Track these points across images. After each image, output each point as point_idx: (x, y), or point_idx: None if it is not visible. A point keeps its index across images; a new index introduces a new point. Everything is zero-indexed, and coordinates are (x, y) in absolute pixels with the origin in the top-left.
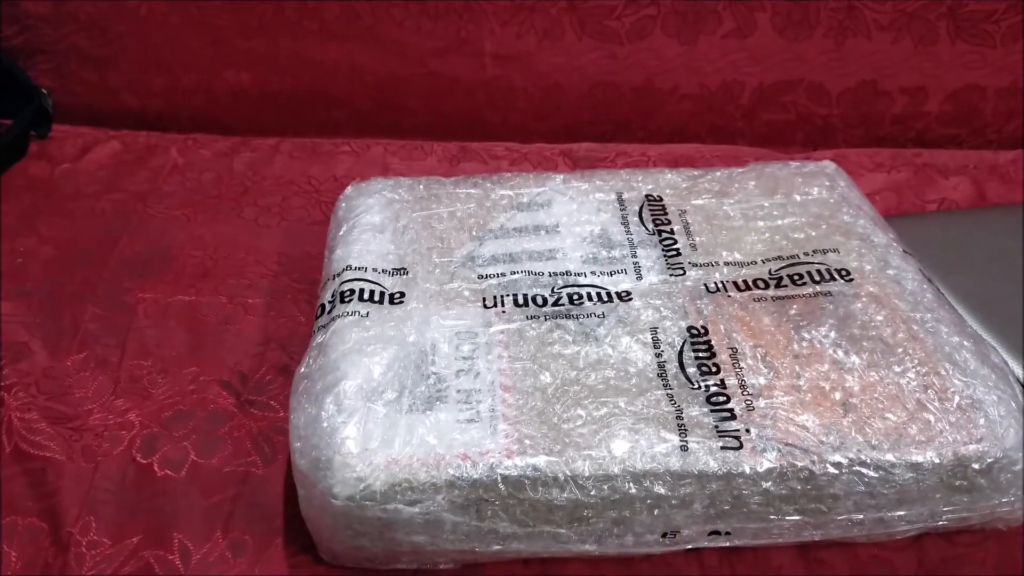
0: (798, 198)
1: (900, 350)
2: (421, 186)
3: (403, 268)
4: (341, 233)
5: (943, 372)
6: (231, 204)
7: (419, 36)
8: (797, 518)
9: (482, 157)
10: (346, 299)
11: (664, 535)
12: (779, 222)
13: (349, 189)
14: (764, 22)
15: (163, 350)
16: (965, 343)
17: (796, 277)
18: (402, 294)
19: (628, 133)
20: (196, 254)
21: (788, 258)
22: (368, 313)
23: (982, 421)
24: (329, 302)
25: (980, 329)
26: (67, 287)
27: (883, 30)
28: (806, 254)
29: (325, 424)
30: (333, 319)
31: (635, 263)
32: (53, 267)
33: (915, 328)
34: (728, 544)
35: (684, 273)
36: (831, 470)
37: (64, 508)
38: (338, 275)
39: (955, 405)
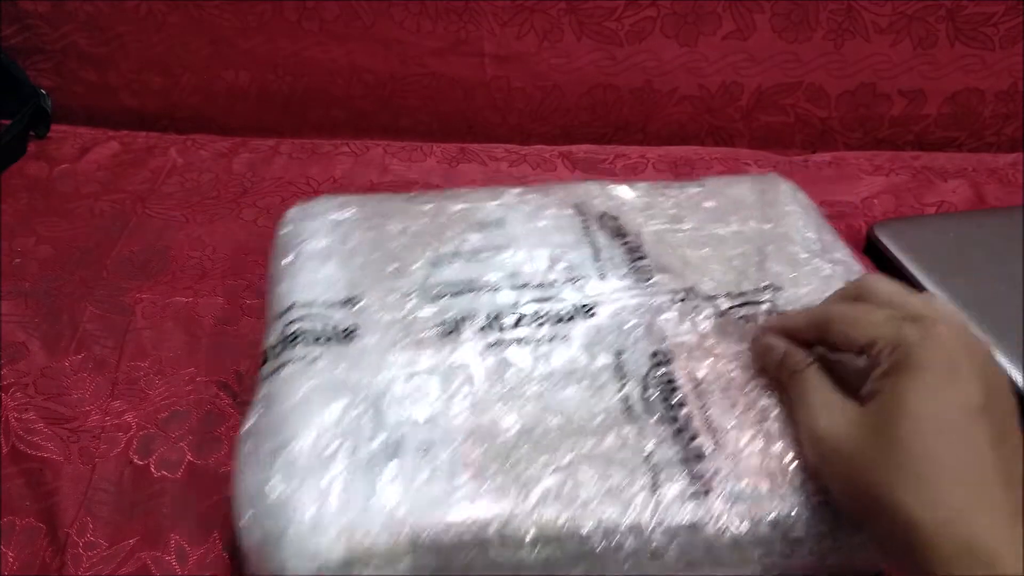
0: (753, 224)
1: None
2: (371, 203)
3: (353, 297)
4: (284, 264)
5: None
6: (230, 205)
7: (419, 36)
8: (767, 561)
9: (481, 158)
10: (292, 342)
11: None
12: (730, 252)
13: (292, 211)
14: (763, 24)
15: (160, 351)
16: None
17: (751, 316)
18: (354, 328)
19: (627, 135)
20: (194, 255)
21: (738, 295)
22: (318, 356)
23: None
24: (274, 347)
25: (978, 334)
26: (65, 287)
27: (882, 32)
28: (756, 290)
29: (275, 494)
30: (280, 366)
31: (596, 282)
32: (51, 267)
33: None
34: None
35: (645, 295)
36: (799, 514)
37: (61, 509)
38: (283, 314)
39: None
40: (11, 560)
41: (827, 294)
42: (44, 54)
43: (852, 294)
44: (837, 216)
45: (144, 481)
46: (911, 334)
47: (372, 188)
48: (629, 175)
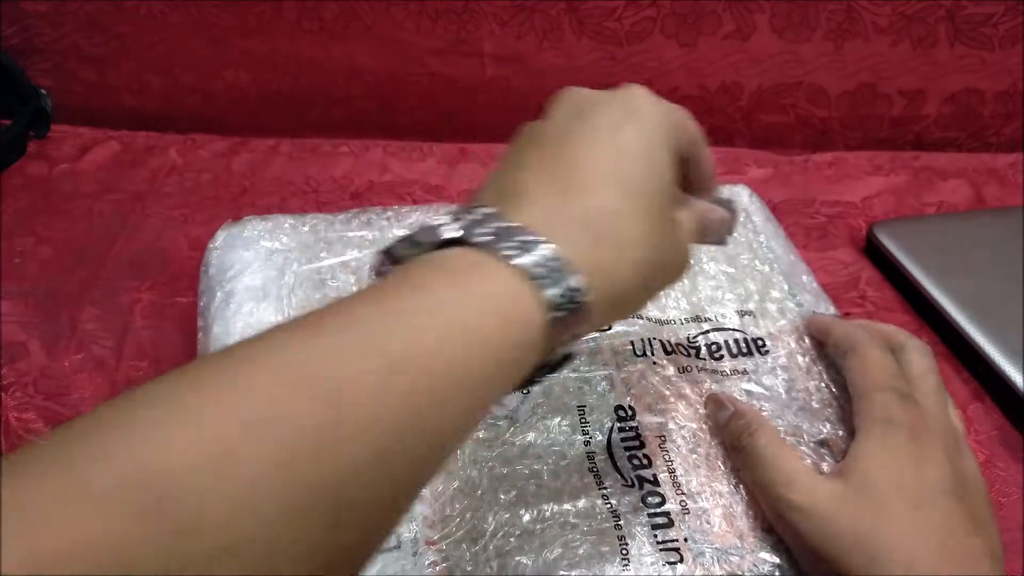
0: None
1: (824, 433)
2: (306, 228)
3: None
4: (216, 304)
5: None
6: (229, 205)
7: (418, 36)
8: None
9: (481, 158)
10: None
11: None
12: (694, 271)
13: (220, 237)
14: (763, 24)
15: (160, 351)
16: None
17: (714, 348)
18: None
19: None
20: (194, 255)
21: (704, 320)
22: None
23: None
24: None
25: (978, 334)
26: (65, 287)
27: (882, 33)
28: (723, 316)
29: None
30: None
31: None
32: (51, 267)
33: (833, 407)
34: None
35: (608, 328)
36: (769, 570)
37: None
38: None
39: None
40: None
41: (789, 323)
42: (44, 54)
43: (891, 341)
44: (837, 216)
45: None
46: (902, 415)
47: (371, 188)
48: None
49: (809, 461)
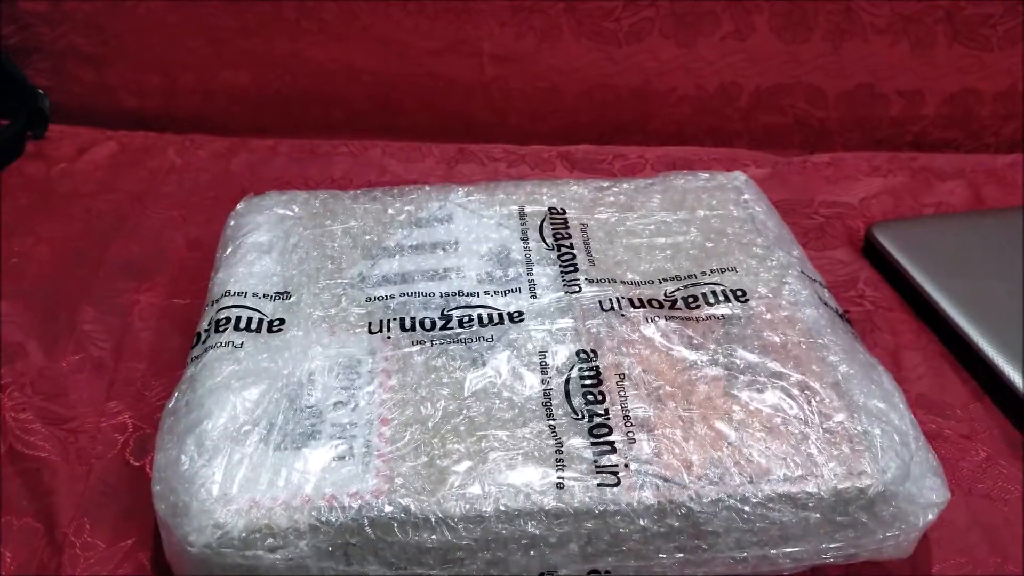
0: (702, 213)
1: (788, 379)
2: (317, 201)
3: (287, 292)
4: (226, 255)
5: (828, 403)
6: (229, 205)
7: (417, 36)
8: (679, 556)
9: (480, 159)
10: (221, 328)
11: (541, 575)
12: (680, 239)
13: (241, 205)
14: (762, 24)
15: (158, 353)
16: (853, 371)
17: (691, 300)
18: (282, 321)
19: (626, 135)
20: (193, 256)
21: (686, 278)
22: (243, 343)
23: (864, 455)
24: (204, 331)
25: (976, 334)
26: (63, 288)
27: (880, 33)
28: (704, 273)
29: (185, 467)
30: (206, 350)
31: (531, 281)
32: (49, 268)
33: (804, 356)
34: None
35: (580, 291)
36: (709, 507)
37: (59, 509)
38: (216, 301)
39: (838, 438)
40: (8, 560)
41: (786, 283)
42: (42, 54)
43: None
44: (835, 217)
45: (140, 482)
46: None
47: (370, 188)
48: (628, 176)
49: (773, 401)
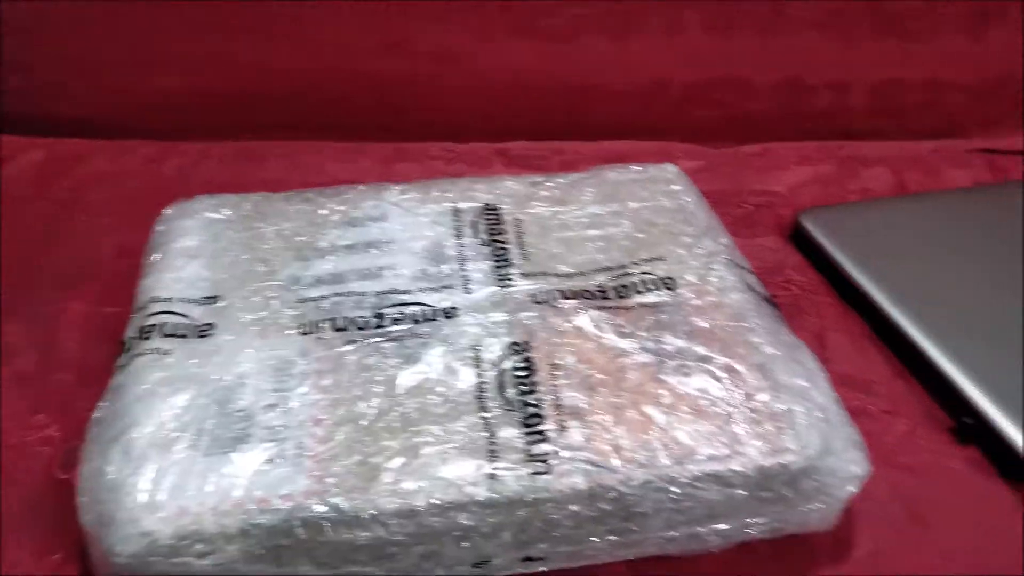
0: (634, 205)
1: (714, 362)
2: (248, 203)
3: (216, 296)
4: (153, 261)
5: (752, 383)
6: (159, 211)
7: (351, 36)
8: (610, 539)
9: (417, 157)
10: (147, 335)
11: (475, 565)
12: (612, 230)
13: (169, 210)
14: (692, 20)
15: (86, 363)
16: (777, 352)
17: (622, 289)
18: (211, 325)
19: (563, 131)
20: (123, 263)
21: (617, 268)
22: (170, 350)
23: (787, 432)
24: (131, 338)
25: (899, 315)
26: None
27: (808, 27)
28: (634, 263)
29: (111, 476)
30: (132, 358)
31: (464, 277)
32: None
33: (730, 339)
34: (544, 569)
35: (513, 285)
36: (638, 489)
37: None
38: (142, 308)
39: (762, 416)
40: None
41: (714, 270)
42: None
43: None
44: (766, 206)
45: (68, 495)
46: None
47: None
48: (566, 171)
49: (700, 384)
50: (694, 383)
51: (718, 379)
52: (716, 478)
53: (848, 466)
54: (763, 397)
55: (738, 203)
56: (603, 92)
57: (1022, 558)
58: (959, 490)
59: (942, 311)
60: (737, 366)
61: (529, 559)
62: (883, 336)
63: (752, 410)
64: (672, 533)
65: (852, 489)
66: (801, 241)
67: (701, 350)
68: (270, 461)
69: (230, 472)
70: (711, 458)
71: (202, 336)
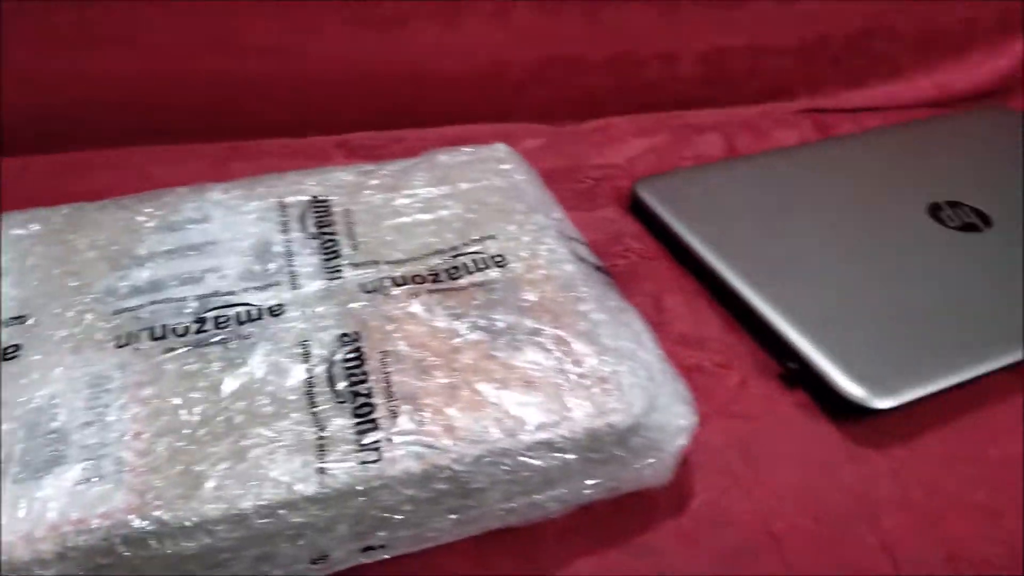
0: (465, 187)
1: (543, 333)
2: (59, 216)
3: (23, 315)
4: None
5: (579, 350)
6: None
7: (175, 35)
8: (451, 517)
9: (254, 155)
10: None
11: (313, 561)
12: (443, 213)
13: None
14: (521, 1)
15: None
16: (604, 318)
17: (453, 271)
18: (17, 347)
19: (404, 119)
20: None
21: (449, 250)
22: None
23: (613, 393)
24: None
25: (725, 269)
26: None
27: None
28: (465, 244)
29: None
30: None
31: (291, 272)
32: None
33: (559, 310)
34: (387, 556)
35: (343, 276)
36: (471, 466)
37: None
38: None
39: (589, 381)
40: None
41: (544, 244)
42: None
43: None
44: (605, 178)
45: None
46: None
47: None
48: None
49: (531, 357)
50: (525, 356)
51: (548, 350)
52: (547, 445)
53: (676, 420)
54: (591, 362)
55: (580, 178)
56: (440, 78)
57: (847, 489)
58: (789, 432)
59: (768, 266)
60: (565, 335)
61: (370, 548)
62: (716, 294)
63: (580, 376)
64: (511, 504)
65: (682, 442)
66: (638, 210)
67: (531, 323)
68: (86, 480)
69: (43, 496)
70: (540, 427)
71: (8, 359)
